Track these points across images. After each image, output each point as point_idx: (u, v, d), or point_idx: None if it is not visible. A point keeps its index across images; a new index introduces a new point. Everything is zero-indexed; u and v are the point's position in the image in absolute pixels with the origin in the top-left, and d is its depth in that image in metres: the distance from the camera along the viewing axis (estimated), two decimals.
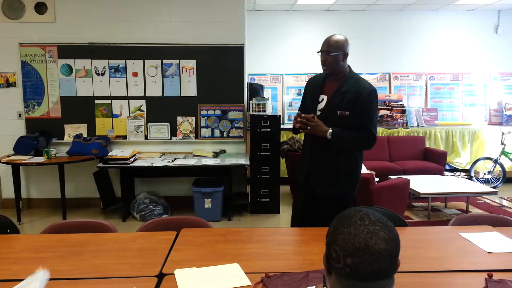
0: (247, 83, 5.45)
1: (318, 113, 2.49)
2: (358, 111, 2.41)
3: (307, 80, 2.77)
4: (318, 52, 2.51)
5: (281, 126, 5.37)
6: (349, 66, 2.55)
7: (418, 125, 6.69)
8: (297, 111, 2.59)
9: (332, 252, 0.91)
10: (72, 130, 5.08)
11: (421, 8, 6.68)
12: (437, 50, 6.96)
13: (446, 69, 6.97)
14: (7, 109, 5.05)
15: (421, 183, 4.78)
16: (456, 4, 6.37)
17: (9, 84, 5.03)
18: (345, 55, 2.47)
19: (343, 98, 2.43)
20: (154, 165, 4.51)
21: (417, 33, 6.92)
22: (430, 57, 6.97)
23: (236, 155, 5.05)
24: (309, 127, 2.40)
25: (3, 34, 4.93)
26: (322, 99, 2.52)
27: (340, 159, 2.51)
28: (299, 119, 2.42)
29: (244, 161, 4.71)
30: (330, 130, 2.39)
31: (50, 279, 1.53)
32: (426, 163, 6.01)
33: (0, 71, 5.00)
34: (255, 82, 6.63)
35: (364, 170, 5.05)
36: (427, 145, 6.40)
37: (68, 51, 5.01)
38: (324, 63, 2.46)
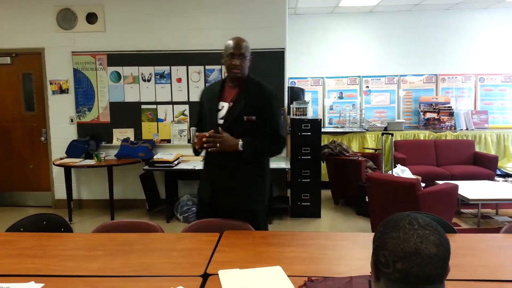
0: (288, 87, 5.45)
1: (221, 121, 2.28)
2: (265, 115, 2.28)
3: (201, 93, 2.53)
4: (236, 55, 2.25)
5: (322, 129, 5.33)
6: None
7: (467, 129, 6.42)
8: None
9: (381, 257, 0.89)
10: (120, 134, 5.29)
11: (470, 7, 6.42)
12: (487, 50, 6.66)
13: (497, 70, 6.65)
14: (61, 115, 5.34)
15: (470, 189, 4.58)
16: (508, 1, 6.07)
17: (62, 91, 5.32)
18: (251, 58, 2.36)
19: (247, 102, 2.27)
20: (196, 168, 4.60)
21: (465, 32, 6.65)
22: (479, 58, 6.67)
23: (277, 159, 5.06)
24: (218, 144, 2.15)
25: (58, 43, 5.23)
26: (222, 106, 2.30)
27: (250, 171, 2.32)
28: (205, 139, 2.15)
29: (284, 164, 4.71)
30: (240, 142, 2.20)
31: (102, 276, 1.61)
32: (475, 168, 5.75)
33: (54, 79, 5.30)
34: (296, 85, 6.62)
35: (409, 175, 4.92)
36: (477, 149, 6.12)
37: (116, 59, 5.24)
38: (237, 67, 2.25)
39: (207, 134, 2.16)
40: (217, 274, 1.60)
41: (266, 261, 1.73)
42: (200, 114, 2.48)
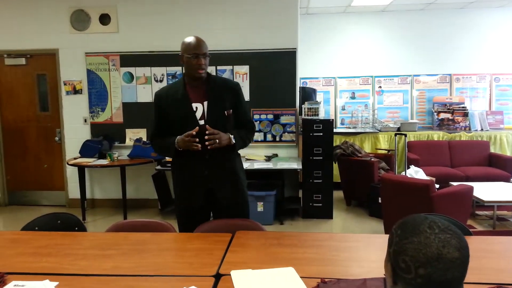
0: (300, 87, 5.43)
1: (201, 122, 2.28)
2: (239, 106, 2.40)
3: (157, 98, 2.39)
4: (200, 55, 2.25)
5: (334, 130, 5.30)
6: None
7: (482, 129, 6.32)
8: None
9: (401, 262, 0.88)
10: (132, 134, 5.34)
11: (484, 5, 6.33)
12: (503, 49, 6.55)
13: None
14: (74, 115, 5.40)
15: (485, 191, 4.50)
16: None
17: (76, 91, 5.38)
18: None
19: (222, 97, 2.33)
20: None
21: (480, 32, 6.55)
22: (494, 57, 6.57)
23: (288, 159, 5.05)
24: (217, 140, 2.19)
25: (71, 44, 5.29)
26: (196, 107, 2.29)
27: (238, 163, 2.47)
28: (207, 137, 2.16)
29: (296, 165, 4.69)
30: (231, 135, 2.30)
31: (115, 275, 1.62)
32: (491, 169, 5.66)
33: (68, 79, 5.37)
34: (308, 86, 6.59)
35: (423, 176, 4.86)
36: (492, 150, 6.02)
37: (129, 59, 5.28)
38: (201, 66, 2.24)
39: (193, 132, 2.16)
40: (230, 275, 1.60)
41: (279, 262, 1.72)
42: (160, 120, 2.37)
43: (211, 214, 2.48)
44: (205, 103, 2.31)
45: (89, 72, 5.33)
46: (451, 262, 0.83)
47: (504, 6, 6.38)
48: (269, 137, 5.25)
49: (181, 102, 2.30)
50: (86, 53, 5.31)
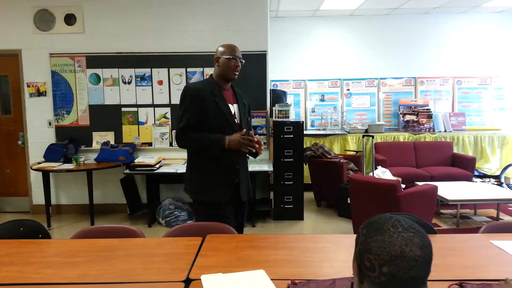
0: (270, 89, 5.46)
1: (237, 121, 2.47)
2: (249, 115, 2.62)
3: (193, 93, 2.38)
4: (239, 58, 2.46)
5: (304, 132, 5.35)
6: None
7: (445, 130, 6.55)
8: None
9: (366, 261, 0.89)
10: (100, 138, 5.21)
11: (448, 11, 6.57)
12: (464, 53, 6.82)
13: (474, 73, 6.82)
14: (38, 118, 5.22)
15: (449, 190, 4.67)
16: (484, 6, 6.24)
17: (40, 94, 5.20)
18: None
19: (244, 103, 2.55)
20: (178, 171, 4.56)
21: (443, 36, 6.80)
22: (457, 61, 6.83)
23: (259, 162, 5.06)
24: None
25: (35, 45, 5.12)
26: (234, 110, 2.46)
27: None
28: (256, 139, 2.34)
29: (267, 167, 4.71)
30: None
31: (81, 283, 1.58)
32: (454, 169, 5.86)
33: (32, 81, 5.18)
34: (278, 88, 6.64)
35: (390, 176, 4.98)
36: (455, 150, 6.25)
37: (96, 60, 5.15)
38: (238, 69, 2.45)
39: (253, 135, 2.34)
40: (200, 279, 1.58)
41: (250, 265, 1.72)
42: (194, 114, 2.35)
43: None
44: (235, 105, 2.48)
45: (54, 74, 5.17)
46: (414, 260, 0.85)
47: (465, 12, 6.65)
48: None
49: (219, 101, 2.38)
50: (50, 54, 5.14)
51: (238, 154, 2.41)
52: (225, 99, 2.42)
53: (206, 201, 2.43)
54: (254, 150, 2.34)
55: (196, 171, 2.46)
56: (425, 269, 0.87)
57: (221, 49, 2.45)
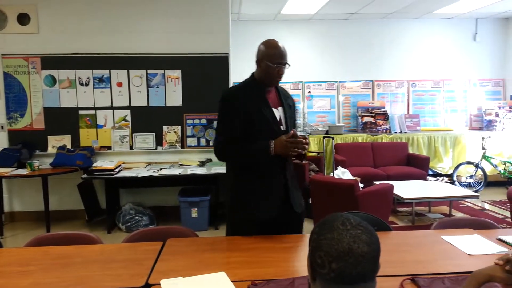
0: None
1: (283, 128, 2.18)
2: (294, 116, 2.34)
3: (229, 98, 2.17)
4: (283, 65, 2.14)
5: None
6: None
7: (401, 131, 6.80)
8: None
9: (317, 258, 0.92)
10: (55, 142, 5.02)
11: (403, 16, 6.84)
12: (418, 57, 7.12)
13: (427, 76, 7.13)
14: None
15: (404, 188, 4.85)
16: (435, 12, 6.54)
17: None
18: None
19: (289, 105, 2.28)
20: (139, 175, 4.48)
21: (399, 41, 7.07)
22: (411, 65, 7.12)
23: (222, 164, 5.04)
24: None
25: None
26: (279, 115, 2.19)
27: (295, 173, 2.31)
28: (305, 141, 2.07)
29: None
30: None
31: None
32: (409, 168, 6.09)
33: None
34: None
35: (349, 176, 5.12)
36: (410, 150, 6.50)
37: (51, 62, 4.98)
38: (281, 76, 2.16)
39: (300, 137, 2.05)
40: (159, 284, 1.57)
41: (211, 268, 1.72)
42: (234, 123, 2.09)
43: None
44: (280, 108, 2.20)
45: (6, 75, 4.94)
46: (361, 257, 0.88)
47: (419, 18, 6.94)
48: (202, 142, 5.21)
49: (262, 105, 2.12)
50: (2, 55, 4.91)
51: (284, 160, 2.13)
52: (269, 103, 2.16)
53: (249, 218, 2.14)
54: (303, 152, 2.07)
55: (237, 183, 2.21)
56: (372, 265, 0.90)
57: (263, 49, 2.16)
